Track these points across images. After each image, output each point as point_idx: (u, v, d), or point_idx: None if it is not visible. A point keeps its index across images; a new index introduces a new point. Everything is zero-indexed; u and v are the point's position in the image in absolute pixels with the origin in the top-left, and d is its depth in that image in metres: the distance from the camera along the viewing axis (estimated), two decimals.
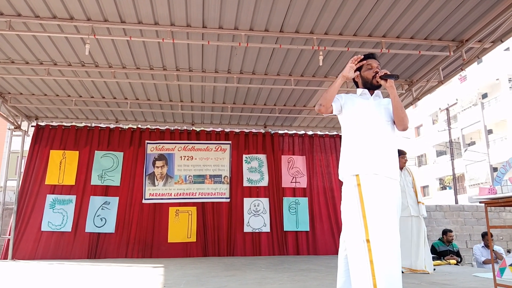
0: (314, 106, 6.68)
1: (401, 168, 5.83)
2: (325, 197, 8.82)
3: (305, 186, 8.82)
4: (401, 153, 5.58)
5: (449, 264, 6.54)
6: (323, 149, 9.11)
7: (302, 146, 9.09)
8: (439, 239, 8.14)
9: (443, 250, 7.67)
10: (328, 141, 9.21)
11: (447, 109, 23.01)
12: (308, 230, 8.54)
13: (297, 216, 8.54)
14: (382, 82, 2.53)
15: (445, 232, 8.00)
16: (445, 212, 11.14)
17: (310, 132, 9.27)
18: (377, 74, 2.54)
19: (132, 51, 5.78)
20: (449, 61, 5.95)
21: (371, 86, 2.62)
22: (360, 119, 2.55)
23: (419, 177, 31.76)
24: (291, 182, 8.75)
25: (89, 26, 4.99)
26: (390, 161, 2.49)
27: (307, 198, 8.76)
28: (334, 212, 8.71)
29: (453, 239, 7.84)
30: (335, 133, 9.35)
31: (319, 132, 9.26)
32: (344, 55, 5.82)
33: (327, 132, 9.31)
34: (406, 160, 5.86)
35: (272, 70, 6.38)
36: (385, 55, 5.79)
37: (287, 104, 7.86)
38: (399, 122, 2.55)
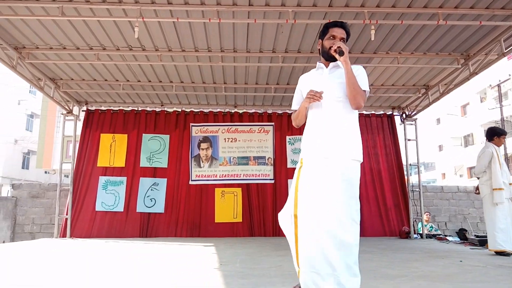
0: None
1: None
2: (372, 179, 8.60)
3: None
4: (502, 134, 5.36)
5: None
6: (370, 129, 8.84)
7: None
8: None
9: None
10: (374, 120, 8.92)
11: (498, 85, 21.62)
12: None
13: None
14: (336, 56, 2.38)
15: None
16: None
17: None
18: (332, 47, 2.40)
19: (178, 33, 5.79)
20: (511, 32, 5.50)
21: (327, 57, 2.48)
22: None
23: (466, 158, 30.39)
24: None
25: (137, 9, 5.02)
26: (336, 142, 2.34)
27: None
28: (382, 193, 8.50)
29: None
30: (381, 112, 9.03)
31: (365, 112, 8.97)
32: (396, 28, 5.52)
33: (373, 112, 9.01)
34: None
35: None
36: (441, 27, 5.44)
37: None
38: (352, 100, 2.39)
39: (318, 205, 2.25)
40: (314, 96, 2.37)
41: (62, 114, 8.62)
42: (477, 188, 5.60)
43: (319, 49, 2.59)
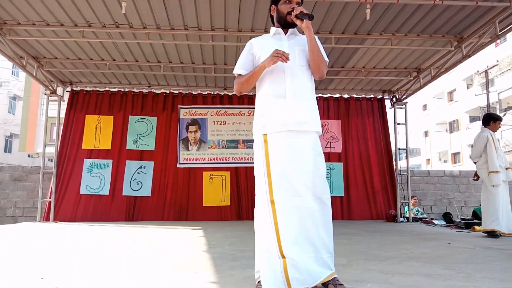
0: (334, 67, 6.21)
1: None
2: (361, 162, 8.60)
3: (340, 151, 8.61)
4: (498, 119, 5.49)
5: None
6: (360, 113, 8.79)
7: (338, 110, 8.80)
8: (480, 205, 7.86)
9: None
10: (365, 104, 8.87)
11: (486, 71, 21.82)
12: (343, 195, 8.41)
13: (331, 182, 8.39)
14: (298, 21, 2.21)
15: None
16: None
17: (346, 95, 8.93)
18: (293, 12, 2.22)
19: (167, 10, 5.57)
20: (507, 13, 5.44)
21: (285, 24, 2.31)
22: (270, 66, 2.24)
23: (450, 143, 30.88)
24: (325, 147, 8.54)
25: None
26: (303, 112, 2.19)
27: (341, 163, 8.57)
28: (370, 177, 8.52)
29: None
30: (372, 96, 8.99)
31: (355, 95, 8.91)
32: (392, 8, 5.40)
33: (364, 95, 8.96)
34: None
35: (312, 27, 6.04)
36: (437, 8, 5.35)
37: None
38: (315, 69, 2.27)
39: (296, 185, 2.10)
40: (282, 56, 2.14)
41: (45, 94, 8.33)
42: (476, 174, 5.66)
43: (272, 15, 2.42)
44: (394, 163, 8.72)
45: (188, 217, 8.05)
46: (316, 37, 2.29)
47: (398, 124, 8.70)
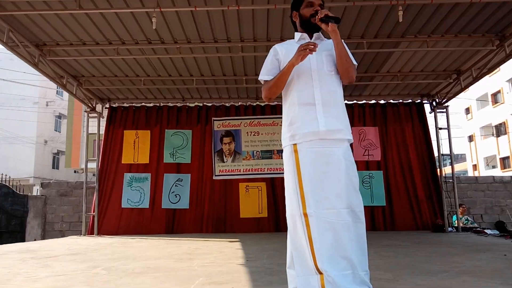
0: (352, 71, 6.03)
1: None
2: (402, 170, 8.24)
3: (379, 159, 8.30)
4: None
5: None
6: (398, 118, 8.46)
7: (374, 116, 8.52)
8: None
9: None
10: (403, 109, 8.53)
11: None
12: (385, 204, 8.08)
13: (371, 191, 8.09)
14: (323, 25, 2.06)
15: None
16: None
17: (382, 101, 8.64)
18: (317, 15, 2.07)
19: (196, 24, 5.63)
20: None
21: (309, 28, 2.17)
22: (299, 72, 2.12)
23: (498, 148, 29.16)
24: (363, 155, 8.28)
25: None
26: (334, 120, 2.06)
27: (381, 171, 8.25)
28: (413, 185, 8.14)
29: None
30: (410, 100, 8.63)
31: (392, 101, 8.60)
32: (426, 8, 5.16)
33: (401, 100, 8.62)
34: None
35: (342, 33, 5.88)
36: (475, 5, 5.06)
37: (357, 71, 7.32)
38: (344, 74, 2.12)
39: (329, 197, 1.99)
40: (308, 47, 2.01)
41: (85, 111, 8.66)
42: None
43: (294, 21, 2.30)
44: (438, 170, 8.28)
45: (226, 229, 8.03)
46: (342, 40, 2.17)
47: (440, 129, 8.28)
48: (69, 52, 6.54)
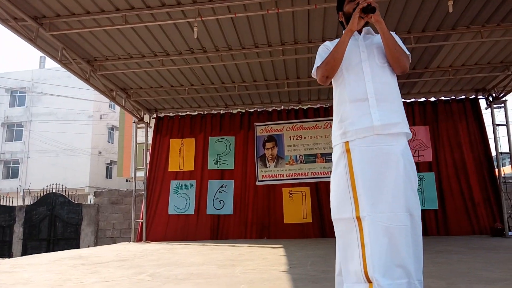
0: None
1: None
2: (456, 171, 7.76)
3: (430, 160, 7.88)
4: None
5: None
6: (450, 116, 7.98)
7: (424, 114, 8.11)
8: None
9: None
10: (455, 107, 8.04)
11: None
12: (437, 208, 7.63)
13: (422, 193, 7.68)
14: (365, 18, 1.95)
15: None
16: None
17: (432, 98, 8.21)
18: (358, 7, 1.94)
19: (237, 30, 5.68)
20: None
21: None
22: (349, 66, 2.00)
23: None
24: (413, 156, 7.82)
25: (195, 8, 4.99)
26: (389, 114, 1.89)
27: (433, 173, 7.82)
28: (468, 187, 7.63)
29: None
30: (463, 96, 8.13)
31: (443, 98, 8.14)
32: None
33: (453, 96, 8.14)
34: None
35: (388, 28, 5.67)
36: None
37: None
38: (395, 63, 1.97)
39: (386, 199, 1.84)
40: (363, 3, 1.94)
41: (134, 122, 9.02)
42: None
43: (341, 21, 2.21)
44: (496, 170, 7.71)
45: (270, 235, 7.97)
46: (393, 33, 2.06)
47: (498, 125, 7.71)
48: (117, 66, 6.85)
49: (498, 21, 5.48)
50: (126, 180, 27.42)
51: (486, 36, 5.76)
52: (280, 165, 8.36)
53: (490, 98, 7.83)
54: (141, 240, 8.20)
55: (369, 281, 1.77)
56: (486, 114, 7.97)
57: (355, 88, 2.01)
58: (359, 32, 2.13)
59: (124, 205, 10.23)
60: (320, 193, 8.09)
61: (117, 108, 26.93)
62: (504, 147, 7.75)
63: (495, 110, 7.77)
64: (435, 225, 7.55)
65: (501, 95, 7.62)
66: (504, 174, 7.69)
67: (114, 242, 9.43)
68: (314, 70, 2.15)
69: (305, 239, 7.59)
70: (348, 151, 1.94)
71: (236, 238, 7.91)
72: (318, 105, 8.60)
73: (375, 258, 1.78)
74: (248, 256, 5.04)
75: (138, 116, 8.74)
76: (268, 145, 8.48)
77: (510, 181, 7.59)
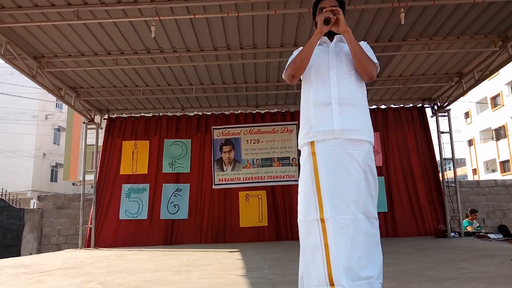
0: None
1: None
2: (404, 176, 8.14)
3: (381, 164, 8.20)
4: None
5: None
6: (399, 123, 8.38)
7: (375, 121, 8.43)
8: None
9: None
10: (404, 114, 8.45)
11: None
12: (386, 211, 7.97)
13: None
14: (333, 28, 2.09)
15: None
16: None
17: (383, 106, 8.59)
18: (321, 17, 2.09)
19: (196, 32, 5.59)
20: None
21: (327, 32, 2.14)
22: (317, 72, 2.10)
23: (498, 151, 29.10)
24: None
25: (153, 7, 4.86)
26: (350, 120, 1.99)
27: (383, 177, 8.15)
28: (415, 191, 8.04)
29: None
30: (411, 105, 8.58)
31: (393, 105, 8.54)
32: (428, 10, 5.12)
33: (402, 105, 8.57)
34: None
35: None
36: (477, 6, 5.03)
37: None
38: (362, 70, 2.08)
39: (347, 202, 1.91)
40: (328, 13, 2.05)
41: (83, 123, 8.59)
42: None
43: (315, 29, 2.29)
44: (440, 175, 8.20)
45: (225, 239, 7.90)
46: (364, 42, 2.19)
47: (442, 133, 8.22)
48: (67, 64, 6.49)
49: (444, 35, 5.85)
50: (73, 184, 26.07)
51: (433, 48, 6.12)
52: (237, 168, 8.33)
53: (436, 107, 8.33)
54: (89, 247, 7.81)
55: (332, 284, 1.80)
56: (431, 122, 8.47)
57: (321, 93, 2.08)
58: (331, 39, 2.21)
59: (71, 210, 9.68)
60: (276, 196, 8.16)
61: (65, 107, 25.57)
62: (447, 153, 8.27)
63: (439, 118, 8.26)
64: (384, 227, 7.85)
65: (445, 104, 8.12)
66: (447, 178, 8.19)
67: (59, 249, 8.89)
68: (287, 65, 2.22)
69: (261, 243, 7.62)
70: (313, 153, 2.01)
71: (191, 243, 7.76)
72: (276, 110, 8.68)
73: (340, 259, 1.82)
74: (204, 261, 4.95)
75: (88, 116, 8.33)
76: (225, 148, 8.42)
77: (453, 185, 8.08)
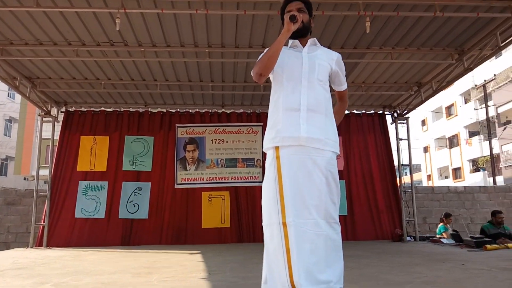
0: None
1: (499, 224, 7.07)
2: (364, 180, 8.37)
3: (342, 168, 8.38)
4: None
5: (507, 248, 6.02)
6: (361, 129, 8.61)
7: (338, 126, 8.58)
8: (488, 222, 7.62)
9: (494, 232, 7.15)
10: (366, 120, 8.69)
11: (484, 85, 21.84)
12: (346, 214, 8.14)
13: None
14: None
15: (494, 213, 7.48)
16: (490, 193, 10.51)
17: (346, 111, 8.76)
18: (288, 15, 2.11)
19: (162, 27, 5.44)
20: (508, 24, 5.34)
21: (296, 35, 2.18)
22: (289, 76, 2.13)
23: (451, 159, 30.70)
24: None
25: None
26: (315, 129, 2.05)
27: (344, 180, 8.33)
28: (374, 195, 8.28)
29: (503, 221, 7.33)
30: (372, 111, 8.83)
31: (355, 111, 8.76)
32: (392, 21, 5.29)
33: (364, 111, 8.80)
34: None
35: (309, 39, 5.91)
36: (437, 20, 5.24)
37: None
38: (337, 113, 2.35)
39: (309, 207, 1.94)
40: (292, 22, 2.04)
41: (39, 115, 8.15)
42: None
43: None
44: (398, 180, 8.50)
45: (186, 240, 7.75)
46: (340, 56, 2.29)
47: (400, 139, 8.52)
48: (23, 52, 6.12)
49: (406, 45, 6.06)
50: (25, 179, 24.77)
51: (395, 57, 6.33)
52: (200, 168, 8.21)
53: (395, 114, 8.62)
54: (41, 246, 7.41)
55: (293, 287, 1.82)
56: (391, 128, 8.76)
57: (291, 98, 2.08)
58: (303, 44, 2.20)
59: (23, 206, 9.14)
60: (239, 197, 8.11)
61: (18, 97, 24.22)
62: (405, 159, 8.59)
63: (399, 125, 8.57)
64: (344, 231, 8.01)
65: (404, 112, 8.43)
66: (404, 183, 8.51)
67: (8, 248, 8.36)
68: (252, 68, 2.19)
69: (223, 244, 7.55)
70: (278, 158, 2.01)
71: (151, 244, 7.54)
72: (241, 110, 8.65)
73: (300, 263, 1.84)
74: (164, 263, 4.83)
75: (44, 108, 7.90)
76: (189, 147, 8.28)
77: (409, 190, 8.40)
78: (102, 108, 8.36)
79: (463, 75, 6.48)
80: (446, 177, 31.41)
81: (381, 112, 8.84)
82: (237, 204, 8.08)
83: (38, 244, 7.50)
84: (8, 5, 4.82)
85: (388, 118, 8.80)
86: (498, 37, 5.48)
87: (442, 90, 7.23)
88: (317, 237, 1.91)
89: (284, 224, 1.89)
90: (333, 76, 2.27)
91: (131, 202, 7.84)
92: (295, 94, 2.08)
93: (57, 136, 8.16)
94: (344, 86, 2.36)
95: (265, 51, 2.19)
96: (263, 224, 2.03)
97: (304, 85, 2.09)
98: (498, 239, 6.67)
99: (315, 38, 2.22)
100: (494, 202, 10.33)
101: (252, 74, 2.19)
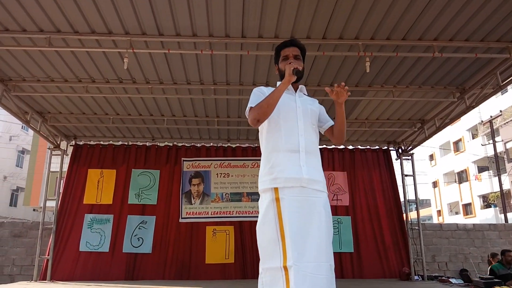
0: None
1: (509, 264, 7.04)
2: (369, 216, 8.27)
3: (347, 204, 8.33)
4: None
5: None
6: (365, 164, 8.61)
7: (343, 161, 8.64)
8: (498, 261, 7.42)
9: (504, 273, 6.96)
10: (370, 155, 8.70)
11: (490, 121, 21.80)
12: (352, 251, 8.00)
13: (340, 236, 8.03)
14: (333, 95, 2.22)
15: (504, 252, 7.30)
16: (500, 231, 10.24)
17: (350, 147, 8.83)
18: (289, 66, 2.18)
19: (169, 65, 5.67)
20: (507, 64, 5.44)
21: None
22: (286, 118, 2.18)
23: (460, 194, 30.15)
24: (332, 200, 8.27)
25: (127, 40, 4.91)
26: (314, 171, 2.10)
27: (350, 216, 8.25)
28: (380, 231, 8.15)
29: None
30: (377, 147, 8.86)
31: (360, 147, 8.80)
32: (391, 60, 5.45)
33: (369, 146, 8.83)
34: None
35: (312, 80, 6.08)
36: (436, 60, 5.38)
37: None
38: (340, 136, 2.30)
39: (311, 250, 1.92)
40: (292, 67, 2.13)
41: (49, 148, 8.33)
42: None
43: (277, 74, 2.41)
44: (404, 216, 8.38)
45: (190, 275, 7.63)
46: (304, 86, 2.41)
47: (406, 175, 8.49)
48: (35, 88, 6.37)
49: (407, 84, 6.18)
50: (34, 210, 24.85)
51: (397, 95, 6.44)
52: (205, 202, 8.22)
53: (400, 150, 8.64)
54: (45, 279, 7.36)
55: None
56: (396, 164, 8.75)
57: (290, 139, 2.14)
58: (295, 88, 2.31)
59: (29, 239, 9.15)
60: (244, 232, 8.03)
61: (31, 130, 24.81)
62: (411, 195, 8.51)
63: (404, 161, 8.55)
64: (350, 268, 7.86)
65: (409, 148, 8.44)
66: (411, 219, 8.38)
67: (12, 281, 8.32)
68: (247, 109, 2.24)
69: (227, 280, 7.43)
70: (277, 199, 1.99)
71: (153, 279, 7.45)
72: (247, 145, 8.75)
73: None
74: None
75: (54, 142, 8.10)
76: (195, 181, 8.33)
77: (416, 227, 8.26)
78: (110, 142, 8.53)
79: (466, 113, 6.54)
80: (457, 213, 30.75)
81: (385, 148, 8.86)
82: (241, 239, 8.00)
83: (42, 277, 7.46)
84: (22, 45, 5.09)
85: (393, 154, 8.80)
86: (498, 77, 5.57)
87: (445, 127, 7.27)
88: (319, 281, 1.90)
89: (285, 268, 1.87)
90: (320, 117, 2.36)
91: (135, 236, 7.83)
92: (294, 136, 2.15)
93: (65, 168, 8.30)
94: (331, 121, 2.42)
95: (254, 91, 2.30)
96: (261, 267, 2.01)
97: (300, 127, 2.17)
98: (508, 280, 6.48)
99: (303, 86, 2.37)
100: (505, 240, 10.04)
101: (248, 118, 2.23)
